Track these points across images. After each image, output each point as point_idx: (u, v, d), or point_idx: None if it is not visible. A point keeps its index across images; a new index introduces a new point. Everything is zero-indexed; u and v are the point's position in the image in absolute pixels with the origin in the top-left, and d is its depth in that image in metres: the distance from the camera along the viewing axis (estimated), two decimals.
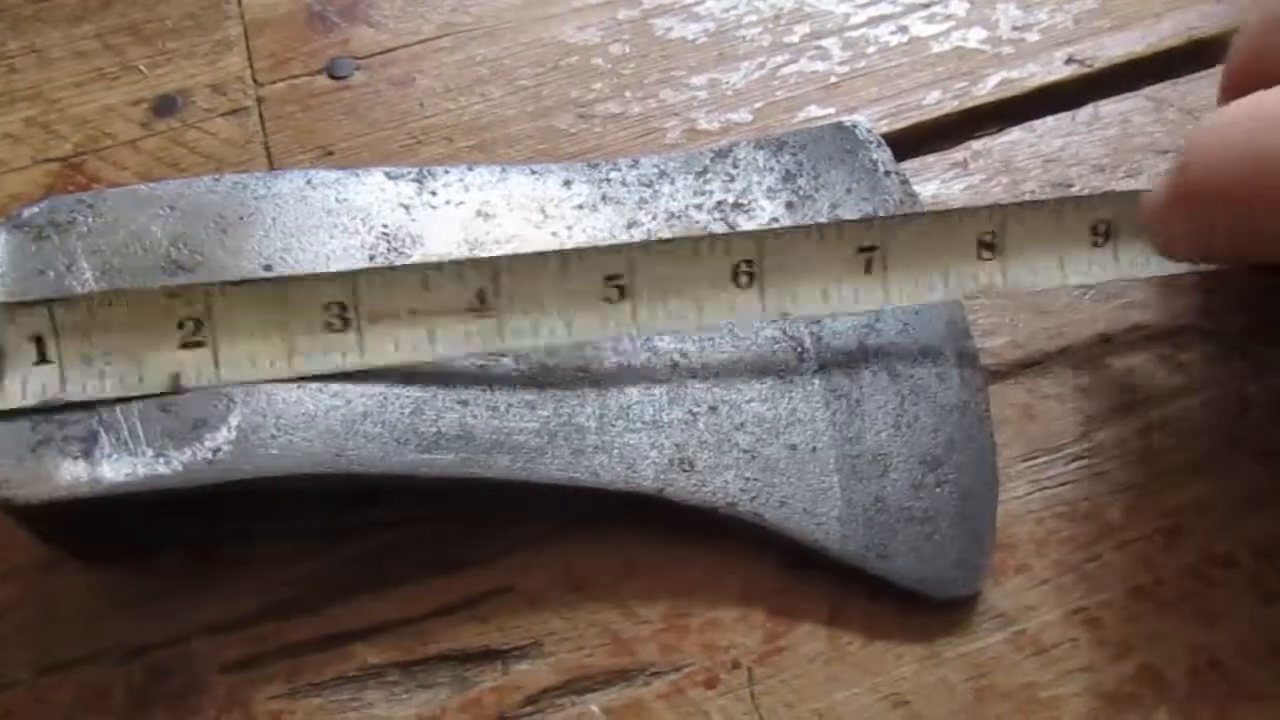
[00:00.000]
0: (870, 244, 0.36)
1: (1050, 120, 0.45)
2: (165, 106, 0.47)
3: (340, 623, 0.35)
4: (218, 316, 0.33)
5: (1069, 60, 0.46)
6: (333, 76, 0.48)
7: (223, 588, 0.36)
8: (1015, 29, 0.47)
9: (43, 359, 0.33)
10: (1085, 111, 0.45)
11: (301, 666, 0.35)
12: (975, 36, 0.47)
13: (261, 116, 0.47)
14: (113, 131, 0.47)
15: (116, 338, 0.33)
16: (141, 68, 0.49)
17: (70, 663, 0.35)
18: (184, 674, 0.35)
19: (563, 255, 0.34)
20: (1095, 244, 0.36)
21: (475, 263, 0.34)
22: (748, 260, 0.35)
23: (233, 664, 0.35)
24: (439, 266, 0.34)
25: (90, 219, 0.37)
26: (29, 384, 0.32)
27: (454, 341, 0.34)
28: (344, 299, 0.33)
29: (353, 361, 0.34)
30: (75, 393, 0.33)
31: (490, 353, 0.35)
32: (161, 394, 0.33)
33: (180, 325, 0.33)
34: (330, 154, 0.45)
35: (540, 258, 0.34)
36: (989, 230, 0.36)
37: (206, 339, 0.33)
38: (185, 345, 0.33)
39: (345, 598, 0.36)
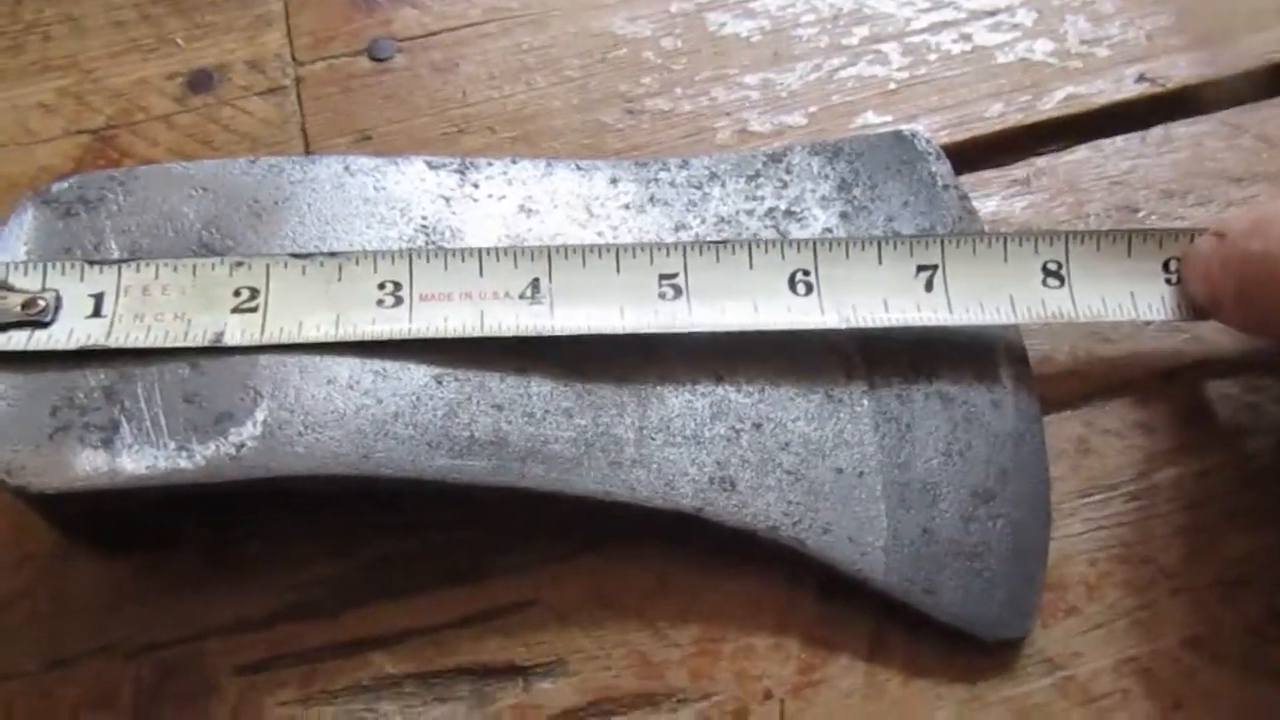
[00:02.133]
0: (930, 263, 0.34)
1: (1119, 140, 0.43)
2: (201, 82, 0.46)
3: (358, 629, 0.34)
4: (274, 285, 0.33)
5: (1140, 78, 0.44)
6: (374, 58, 0.46)
7: (239, 586, 0.35)
8: (1084, 42, 0.45)
9: (97, 313, 0.32)
10: (1155, 133, 0.43)
11: (316, 673, 0.33)
12: (1042, 48, 0.45)
13: (299, 97, 0.45)
14: (146, 105, 0.45)
15: (174, 298, 0.33)
16: (178, 40, 0.47)
17: (78, 656, 0.34)
18: (195, 673, 0.33)
19: (618, 249, 0.33)
20: (1169, 281, 0.35)
21: (531, 251, 0.33)
22: (804, 270, 0.33)
23: (246, 666, 0.33)
24: (494, 253, 0.33)
25: (121, 197, 0.35)
26: (75, 333, 0.32)
27: (504, 324, 0.33)
28: (399, 278, 0.33)
29: (399, 331, 0.33)
30: (118, 342, 0.32)
31: (538, 334, 0.33)
32: (202, 349, 0.32)
33: (236, 294, 0.33)
34: (368, 139, 0.44)
35: (595, 250, 0.33)
36: (1055, 260, 0.34)
37: (259, 305, 0.33)
38: (236, 310, 0.33)
39: (364, 603, 0.34)
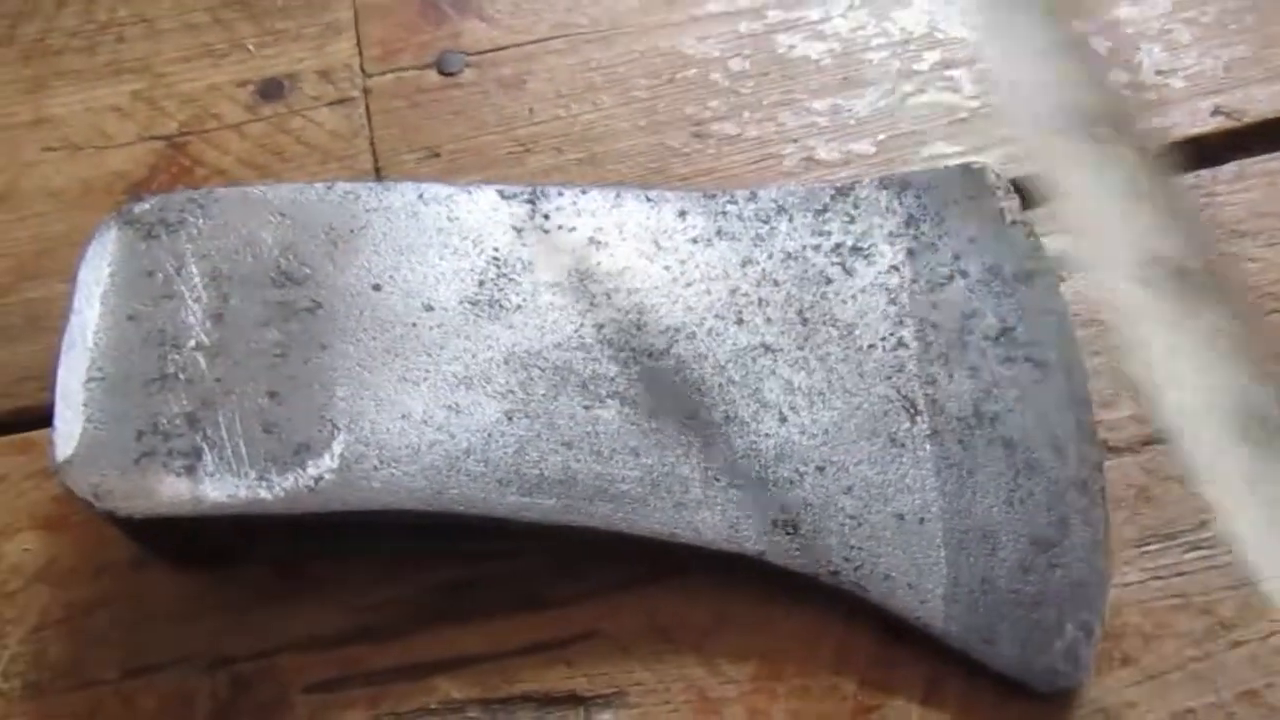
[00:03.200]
0: None
1: (1191, 176, 0.43)
2: (272, 90, 0.47)
3: (425, 652, 0.35)
4: None
5: (1216, 111, 0.44)
6: (442, 72, 0.46)
7: (310, 605, 0.36)
8: (1159, 73, 0.45)
9: None
10: (1229, 169, 0.43)
11: (384, 694, 0.34)
12: (1116, 78, 0.45)
13: (368, 109, 0.46)
14: (218, 113, 0.46)
15: None
16: (250, 46, 0.48)
17: (157, 666, 0.35)
18: (269, 689, 0.35)
19: None
20: None
21: None
22: None
23: (317, 685, 0.35)
24: None
25: (201, 220, 0.36)
26: None
27: None
28: None
29: None
30: None
31: None
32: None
33: None
34: (436, 155, 0.44)
35: None
36: None
37: None
38: None
39: (431, 626, 0.35)
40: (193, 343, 0.34)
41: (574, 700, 0.34)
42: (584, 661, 0.35)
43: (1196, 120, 0.44)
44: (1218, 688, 0.34)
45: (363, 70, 0.47)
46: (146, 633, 0.36)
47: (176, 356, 0.33)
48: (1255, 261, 0.41)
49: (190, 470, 0.32)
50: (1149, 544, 0.36)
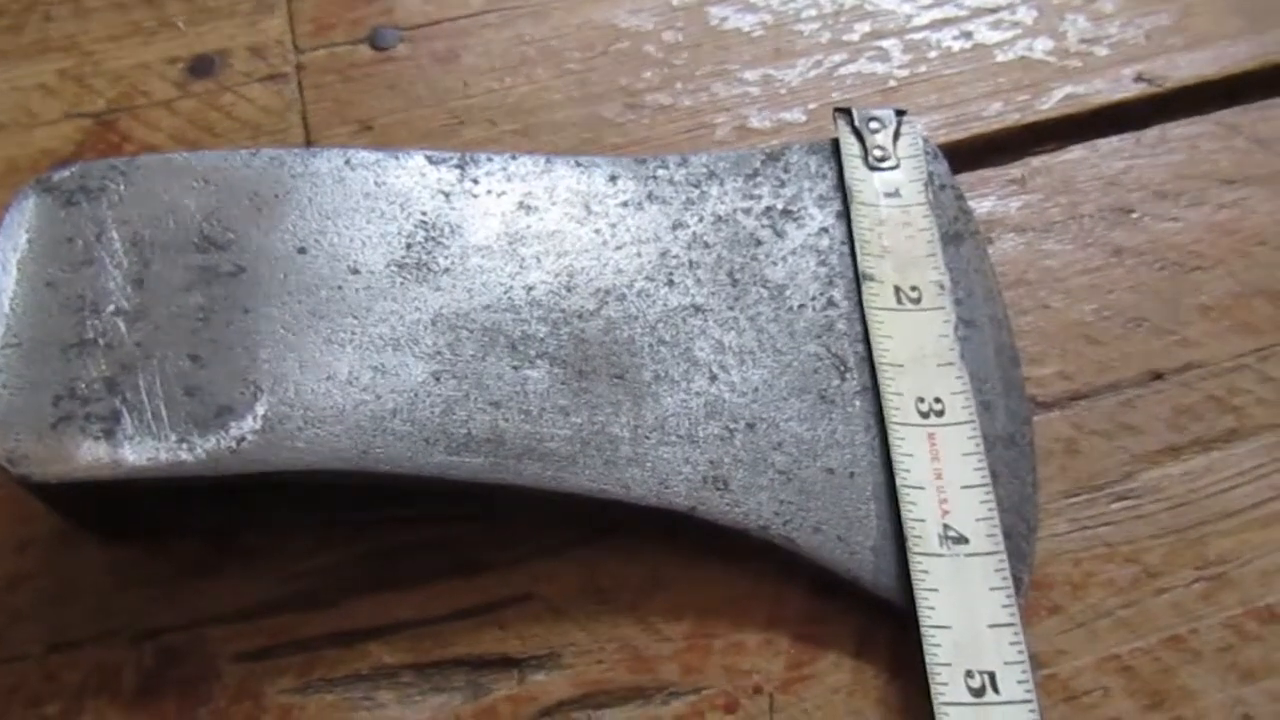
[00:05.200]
0: None
1: (1115, 140, 0.43)
2: (202, 67, 0.46)
3: (356, 619, 0.35)
4: None
5: (1138, 78, 0.45)
6: (375, 47, 0.46)
7: (239, 575, 0.35)
8: (1084, 41, 0.46)
9: None
10: (1152, 133, 0.44)
11: (315, 661, 0.34)
12: (1042, 47, 0.46)
13: (300, 85, 0.45)
14: (148, 90, 0.46)
15: None
16: (180, 23, 0.47)
17: (82, 640, 0.34)
18: (196, 660, 0.34)
19: None
20: None
21: None
22: None
23: (246, 654, 0.34)
24: None
25: (122, 187, 0.36)
26: None
27: None
28: None
29: None
30: None
31: None
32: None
33: None
34: (369, 129, 0.44)
35: None
36: None
37: None
38: None
39: (363, 594, 0.35)
40: (112, 308, 0.33)
41: (507, 662, 0.34)
42: (517, 624, 0.34)
43: (1120, 87, 0.45)
44: (1143, 634, 0.34)
45: (295, 46, 0.46)
46: (71, 607, 0.35)
47: (96, 322, 0.33)
48: (1177, 221, 0.42)
49: (109, 434, 0.31)
50: (1076, 496, 0.37)
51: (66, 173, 0.36)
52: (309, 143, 0.44)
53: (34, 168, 0.44)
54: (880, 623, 0.34)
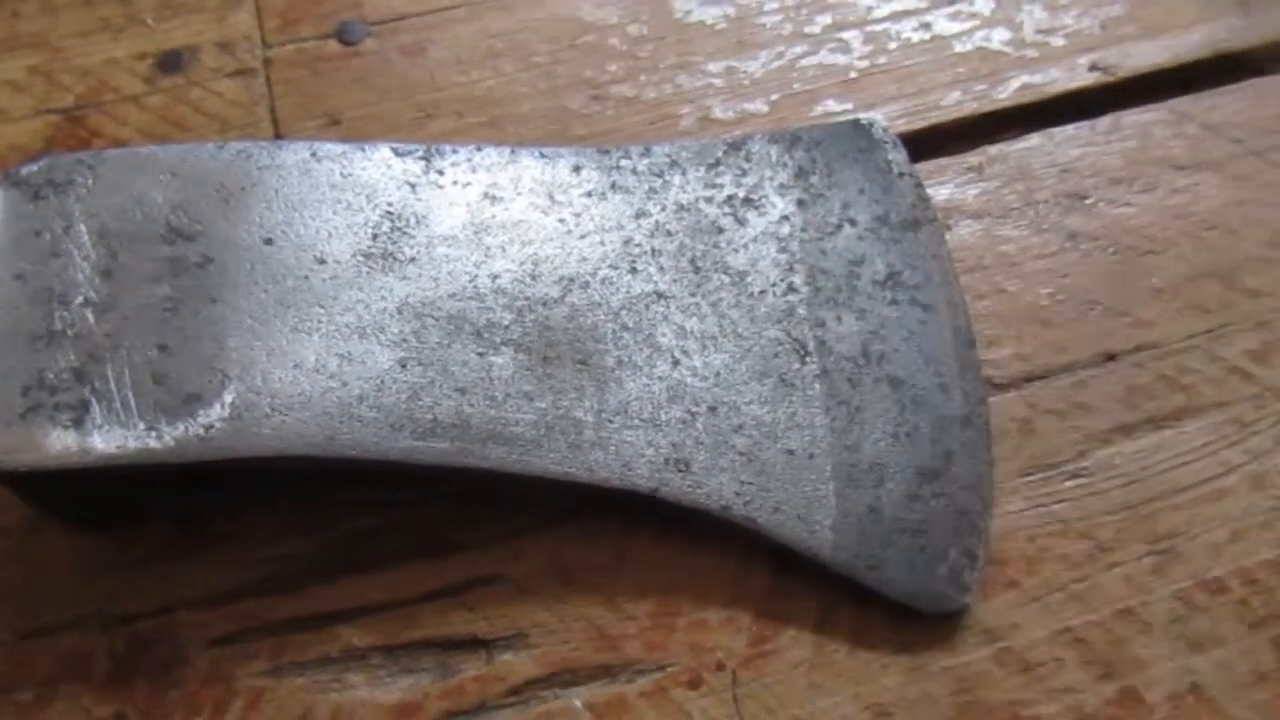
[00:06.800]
0: None
1: (1070, 128, 0.44)
2: (171, 63, 0.46)
3: (325, 603, 0.35)
4: None
5: (1093, 68, 0.46)
6: (343, 41, 0.47)
7: (209, 561, 0.36)
8: (1040, 31, 0.47)
9: None
10: (1105, 121, 0.45)
11: (285, 645, 0.35)
12: (999, 37, 0.46)
13: (268, 79, 0.46)
14: (116, 85, 0.46)
15: None
16: (148, 20, 0.48)
17: (53, 627, 0.35)
18: (167, 645, 0.35)
19: None
20: None
21: None
22: None
23: (217, 639, 0.35)
24: None
25: (89, 180, 0.36)
26: None
27: None
28: None
29: None
30: None
31: None
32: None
33: None
34: (337, 123, 0.44)
35: None
36: None
37: None
38: None
39: (331, 577, 0.36)
40: (81, 299, 0.34)
41: (475, 643, 0.35)
42: (485, 605, 0.35)
43: (1075, 76, 0.46)
44: (1096, 607, 0.35)
45: (263, 41, 0.47)
46: (42, 595, 0.35)
47: (64, 313, 0.33)
48: (1131, 206, 0.43)
49: (78, 423, 0.32)
50: (1031, 474, 0.37)
51: (34, 167, 0.36)
52: (278, 136, 0.44)
53: (2, 163, 0.44)
54: (840, 598, 0.35)
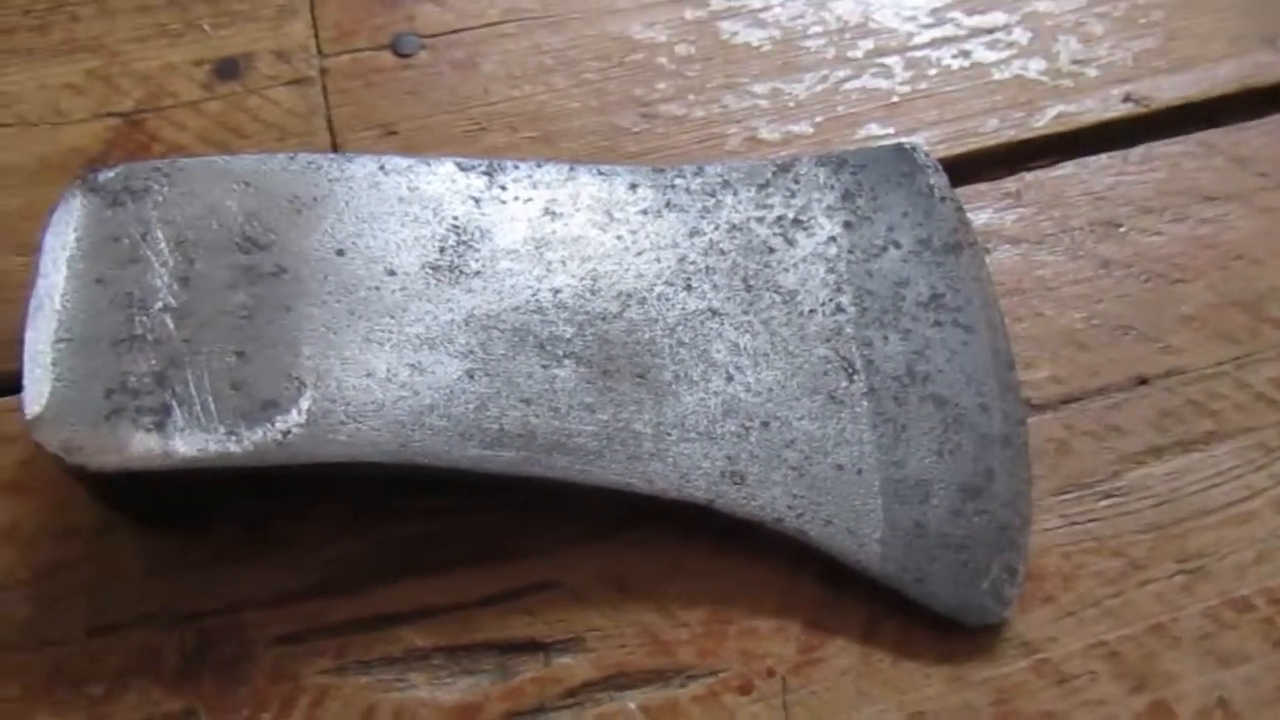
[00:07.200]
0: None
1: (1104, 158, 0.46)
2: (228, 69, 0.47)
3: (389, 604, 0.36)
4: None
5: (1126, 99, 0.47)
6: (397, 54, 0.48)
7: (275, 561, 0.37)
8: (1075, 62, 0.48)
9: None
10: (1138, 151, 0.46)
11: (349, 644, 0.36)
12: (1035, 67, 0.48)
13: (325, 89, 0.47)
14: (174, 91, 0.47)
15: None
16: (205, 26, 0.49)
17: (122, 624, 0.36)
18: (235, 643, 0.36)
19: None
20: None
21: None
22: None
23: (283, 637, 0.36)
24: None
25: (165, 188, 0.37)
26: None
27: None
28: None
29: None
30: None
31: None
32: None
33: None
34: (394, 133, 0.45)
35: None
36: None
37: None
38: None
39: (394, 580, 0.37)
40: (160, 305, 0.35)
41: (534, 646, 0.36)
42: (543, 610, 0.36)
43: (1109, 106, 0.47)
44: (1129, 622, 0.37)
45: (319, 51, 0.48)
46: (111, 593, 0.36)
47: (144, 318, 0.34)
48: (1161, 235, 0.44)
49: (160, 426, 0.33)
50: (1067, 493, 0.39)
51: (111, 173, 0.37)
52: (335, 146, 0.45)
53: (65, 165, 0.45)
54: (887, 611, 0.36)
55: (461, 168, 0.39)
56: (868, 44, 0.48)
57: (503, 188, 0.39)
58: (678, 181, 0.41)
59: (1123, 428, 0.40)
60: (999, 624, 0.36)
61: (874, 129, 0.46)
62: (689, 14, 0.49)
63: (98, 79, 0.47)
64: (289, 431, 0.33)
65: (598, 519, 0.37)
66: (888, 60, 0.48)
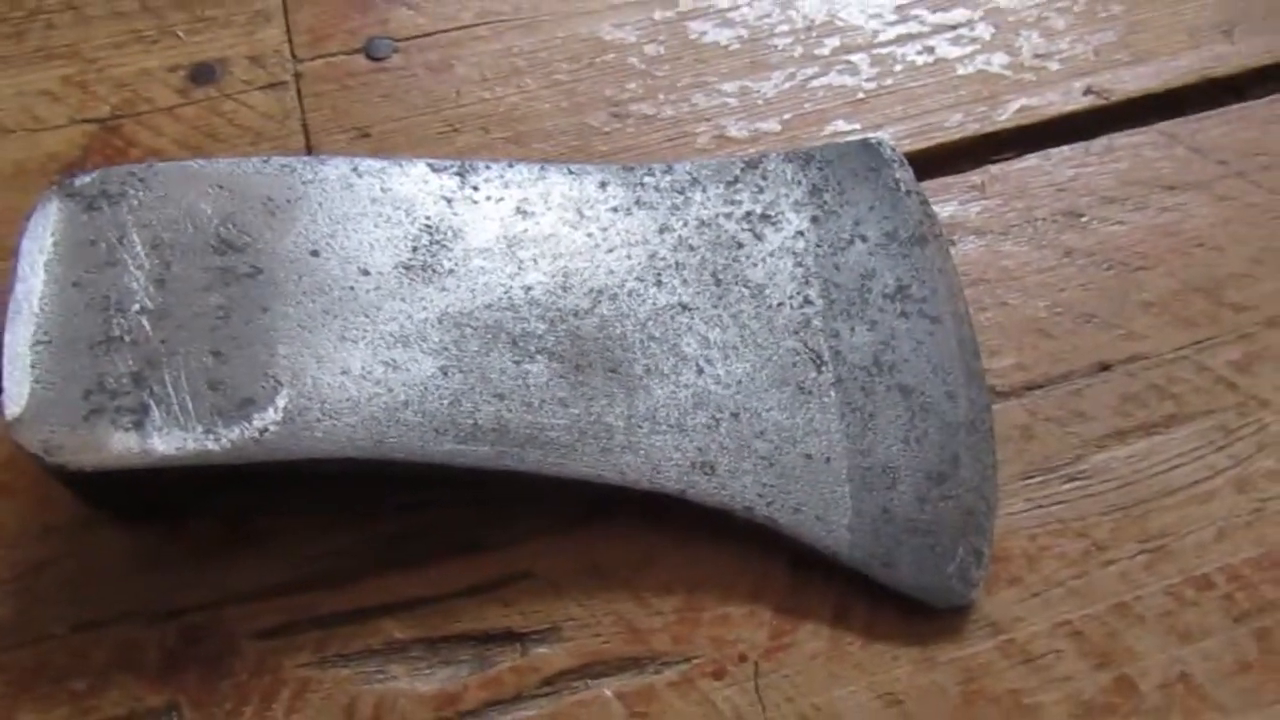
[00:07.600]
0: None
1: (1066, 149, 0.47)
2: (203, 75, 0.48)
3: (367, 598, 0.37)
4: None
5: (1087, 91, 0.48)
6: (370, 57, 0.48)
7: (255, 557, 0.37)
8: (1037, 56, 0.49)
9: None
10: (1099, 143, 0.47)
11: (330, 638, 0.36)
12: (999, 61, 0.49)
13: (299, 93, 0.47)
14: (150, 96, 0.47)
15: None
16: (179, 33, 0.49)
17: (105, 620, 0.36)
18: (217, 638, 0.36)
19: None
20: None
21: None
22: None
23: (264, 631, 0.36)
24: None
25: (141, 192, 0.37)
26: None
27: None
28: None
29: None
30: None
31: None
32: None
33: None
34: (367, 136, 0.46)
35: None
36: None
37: None
38: None
39: (374, 573, 0.37)
40: (137, 307, 0.35)
41: (511, 636, 0.37)
42: (520, 600, 0.37)
43: (1070, 99, 0.48)
44: (1092, 601, 0.38)
45: (293, 55, 0.48)
46: (94, 589, 0.37)
47: (121, 320, 0.35)
48: (1123, 224, 0.45)
49: (138, 425, 0.33)
50: (1031, 477, 0.40)
51: (88, 178, 0.37)
52: (309, 149, 0.46)
53: (42, 171, 0.45)
54: (855, 594, 0.37)
55: (434, 169, 0.40)
56: (834, 42, 0.49)
57: (475, 188, 0.40)
58: (647, 179, 0.42)
59: (1086, 413, 0.41)
60: (966, 606, 0.37)
61: (841, 125, 0.47)
62: (658, 14, 0.49)
63: (74, 85, 0.48)
64: (266, 429, 0.34)
65: (572, 511, 0.38)
66: (854, 57, 0.49)
